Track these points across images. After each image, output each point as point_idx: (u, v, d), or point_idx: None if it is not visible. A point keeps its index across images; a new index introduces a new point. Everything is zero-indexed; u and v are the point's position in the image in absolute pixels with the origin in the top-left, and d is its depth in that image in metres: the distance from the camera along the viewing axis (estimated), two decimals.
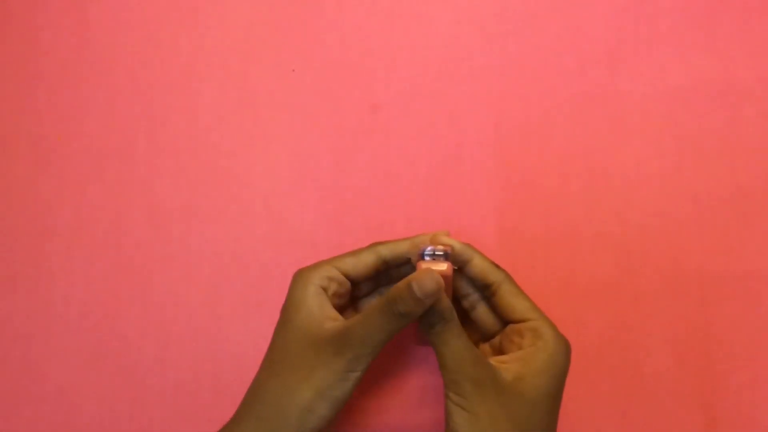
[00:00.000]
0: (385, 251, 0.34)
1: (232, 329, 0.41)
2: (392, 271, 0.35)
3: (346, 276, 0.33)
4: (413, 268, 0.33)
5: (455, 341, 0.30)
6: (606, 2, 0.43)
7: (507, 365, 0.30)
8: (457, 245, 0.33)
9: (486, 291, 0.33)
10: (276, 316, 0.34)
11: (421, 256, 0.32)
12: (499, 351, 0.33)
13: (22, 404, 0.41)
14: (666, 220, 0.40)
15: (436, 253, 0.31)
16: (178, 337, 0.41)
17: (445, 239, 0.33)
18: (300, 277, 0.33)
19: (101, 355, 0.41)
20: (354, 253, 0.34)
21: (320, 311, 0.31)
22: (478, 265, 0.33)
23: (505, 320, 0.33)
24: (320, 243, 0.42)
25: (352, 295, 0.35)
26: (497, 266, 0.33)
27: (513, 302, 0.32)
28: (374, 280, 0.36)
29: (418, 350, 0.40)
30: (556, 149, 0.42)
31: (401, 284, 0.29)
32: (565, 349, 0.31)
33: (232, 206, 0.42)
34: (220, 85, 0.44)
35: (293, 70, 0.44)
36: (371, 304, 0.32)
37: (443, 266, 0.31)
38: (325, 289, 0.32)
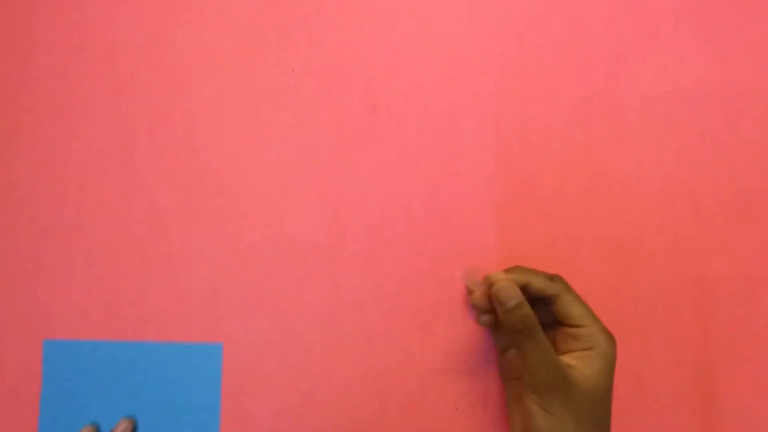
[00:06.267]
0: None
1: (231, 329, 0.41)
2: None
3: None
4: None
5: (537, 350, 0.34)
6: (606, 3, 0.43)
7: (573, 368, 0.34)
8: (506, 288, 0.35)
9: (546, 300, 0.36)
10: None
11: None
12: (553, 345, 0.36)
13: (22, 404, 0.41)
14: (666, 220, 0.40)
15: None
16: (178, 338, 0.41)
17: (493, 280, 0.36)
18: None
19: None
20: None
21: None
22: (536, 286, 0.36)
23: (560, 322, 0.36)
24: (320, 243, 0.41)
25: None
26: (552, 280, 0.36)
27: (569, 311, 0.35)
28: None
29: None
30: (556, 149, 0.42)
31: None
32: (614, 347, 0.34)
33: (232, 206, 0.42)
34: (220, 85, 0.44)
35: (293, 70, 0.44)
36: None
37: None
38: None
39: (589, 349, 0.34)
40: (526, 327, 0.34)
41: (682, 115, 0.41)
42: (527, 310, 0.34)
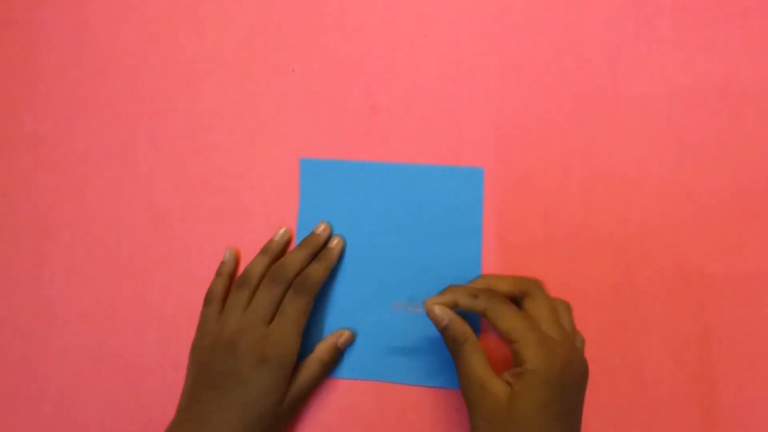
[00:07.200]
0: None
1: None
2: None
3: None
4: None
5: (462, 366, 0.34)
6: (606, 2, 0.43)
7: (506, 384, 0.32)
8: (433, 311, 0.34)
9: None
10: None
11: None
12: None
13: (22, 404, 0.41)
14: (666, 220, 0.40)
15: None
16: (178, 337, 0.41)
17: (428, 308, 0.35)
18: None
19: (101, 355, 0.41)
20: None
21: None
22: (462, 305, 0.35)
23: None
24: None
25: None
26: (476, 296, 0.34)
27: (497, 326, 0.33)
28: None
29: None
30: (556, 149, 0.42)
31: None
32: (547, 363, 0.32)
33: (232, 206, 0.42)
34: (220, 85, 0.44)
35: (293, 70, 0.44)
36: None
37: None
38: None
39: (518, 366, 0.32)
40: (454, 347, 0.34)
41: (682, 113, 0.41)
42: (453, 330, 0.34)
